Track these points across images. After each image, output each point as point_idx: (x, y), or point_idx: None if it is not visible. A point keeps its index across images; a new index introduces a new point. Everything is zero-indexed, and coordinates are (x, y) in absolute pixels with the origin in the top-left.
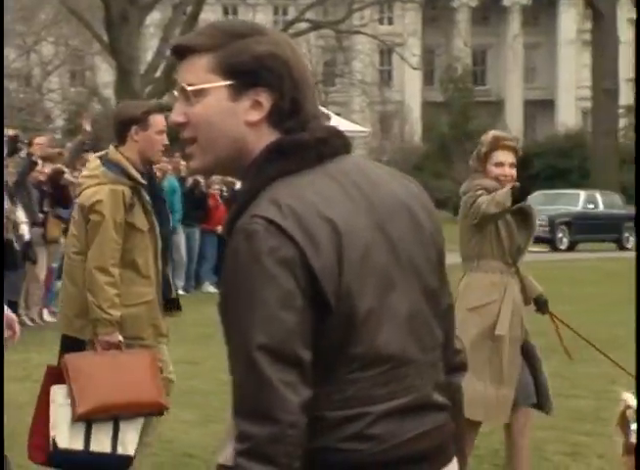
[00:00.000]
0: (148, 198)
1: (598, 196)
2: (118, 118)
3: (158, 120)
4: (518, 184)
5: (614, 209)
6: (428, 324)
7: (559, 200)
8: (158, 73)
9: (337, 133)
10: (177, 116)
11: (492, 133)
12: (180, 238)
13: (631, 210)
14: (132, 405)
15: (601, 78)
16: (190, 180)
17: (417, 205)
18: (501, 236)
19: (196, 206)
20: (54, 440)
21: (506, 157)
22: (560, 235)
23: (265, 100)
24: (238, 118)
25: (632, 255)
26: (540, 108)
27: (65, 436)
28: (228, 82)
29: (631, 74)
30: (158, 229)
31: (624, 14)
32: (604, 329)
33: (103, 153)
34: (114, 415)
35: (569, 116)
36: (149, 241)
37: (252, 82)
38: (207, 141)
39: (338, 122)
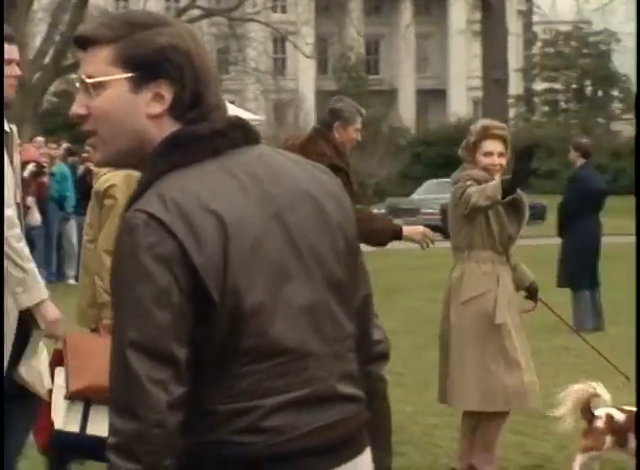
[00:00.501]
0: None
1: None
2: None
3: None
4: (508, 177)
5: None
6: (331, 315)
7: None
8: (46, 60)
9: (239, 124)
10: (78, 108)
11: (481, 122)
12: (72, 227)
13: (529, 199)
14: None
15: (491, 68)
16: (81, 168)
17: (323, 193)
18: (491, 226)
19: (88, 194)
20: (52, 422)
21: (495, 146)
22: None
23: (166, 92)
24: (139, 111)
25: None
26: (432, 97)
27: (60, 417)
28: (129, 75)
29: (520, 65)
30: None
31: (513, 5)
32: None
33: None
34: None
35: (460, 105)
36: None
37: (154, 74)
38: (108, 134)
39: (232, 111)
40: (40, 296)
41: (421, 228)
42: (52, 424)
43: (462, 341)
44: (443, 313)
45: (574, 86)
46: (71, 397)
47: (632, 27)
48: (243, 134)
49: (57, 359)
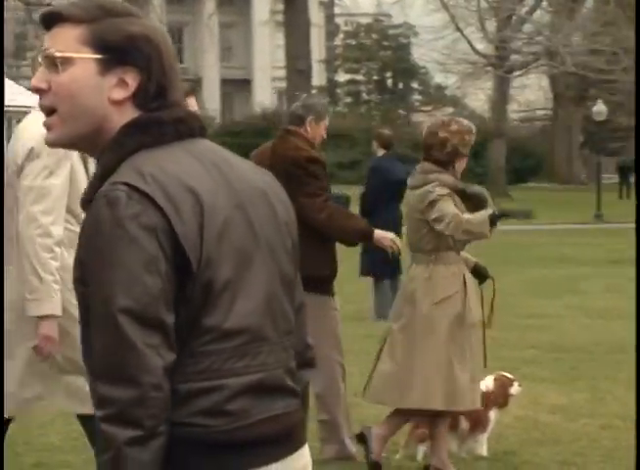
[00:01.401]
0: None
1: None
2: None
3: (192, 103)
4: (495, 211)
5: None
6: (283, 308)
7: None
8: None
9: (195, 116)
10: (39, 82)
11: (468, 126)
12: None
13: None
14: None
15: (294, 59)
16: None
17: (272, 194)
18: None
19: None
20: None
21: (468, 150)
22: None
23: (132, 80)
24: (102, 94)
25: None
26: (237, 87)
27: None
28: (98, 56)
29: (323, 56)
30: None
31: None
32: None
33: None
34: None
35: (265, 95)
36: None
37: (122, 60)
38: (69, 113)
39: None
40: (50, 310)
41: (391, 235)
42: None
43: (432, 341)
44: (398, 314)
45: (376, 78)
46: None
47: (430, 21)
48: (199, 126)
49: None
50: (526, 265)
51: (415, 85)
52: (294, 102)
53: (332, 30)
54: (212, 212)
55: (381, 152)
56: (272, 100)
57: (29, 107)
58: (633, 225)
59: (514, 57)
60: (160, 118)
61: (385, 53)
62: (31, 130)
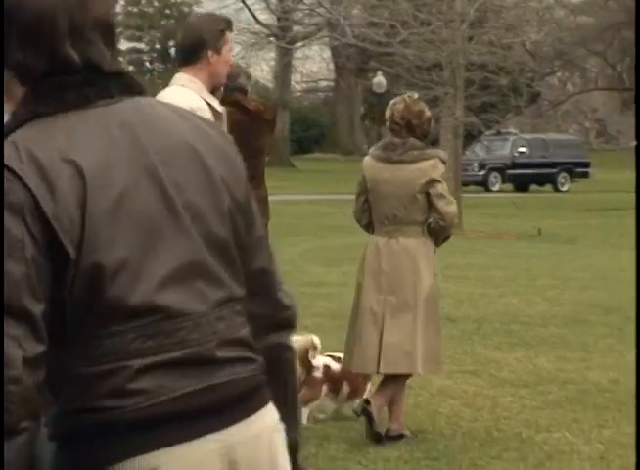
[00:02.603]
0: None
1: None
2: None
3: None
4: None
5: None
6: (212, 276)
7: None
8: None
9: (115, 74)
10: None
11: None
12: None
13: None
14: None
15: None
16: None
17: (209, 149)
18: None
19: None
20: None
21: None
22: None
23: None
24: None
25: None
26: None
27: None
28: None
29: None
30: None
31: None
32: None
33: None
34: None
35: None
36: None
37: None
38: None
39: None
40: None
41: None
42: None
43: (431, 310)
44: (392, 285)
45: (158, 46)
46: None
47: None
48: (120, 85)
49: None
50: (308, 234)
51: None
52: None
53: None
54: (102, 185)
55: None
56: None
57: None
58: None
59: (296, 28)
60: (63, 83)
61: (167, 21)
62: None
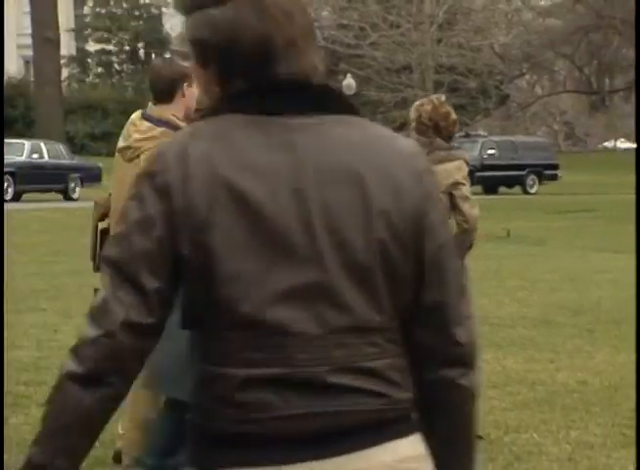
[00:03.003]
0: None
1: (43, 146)
2: (169, 75)
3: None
4: None
5: (59, 159)
6: (339, 301)
7: (5, 150)
8: None
9: (322, 90)
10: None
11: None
12: None
13: (76, 160)
14: None
15: (41, 27)
16: None
17: (376, 177)
18: None
19: None
20: None
21: None
22: (5, 185)
23: None
24: None
25: (78, 204)
26: None
27: None
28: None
29: (72, 25)
30: None
31: None
32: (47, 280)
33: (142, 113)
34: None
35: (11, 63)
36: None
37: None
38: None
39: None
40: None
41: None
42: None
43: None
44: None
45: (127, 48)
46: None
47: None
48: (320, 100)
49: None
50: None
51: (168, 56)
52: (42, 72)
53: None
54: (238, 194)
55: None
56: (19, 69)
57: None
58: None
59: None
60: (247, 91)
61: (136, 23)
62: None
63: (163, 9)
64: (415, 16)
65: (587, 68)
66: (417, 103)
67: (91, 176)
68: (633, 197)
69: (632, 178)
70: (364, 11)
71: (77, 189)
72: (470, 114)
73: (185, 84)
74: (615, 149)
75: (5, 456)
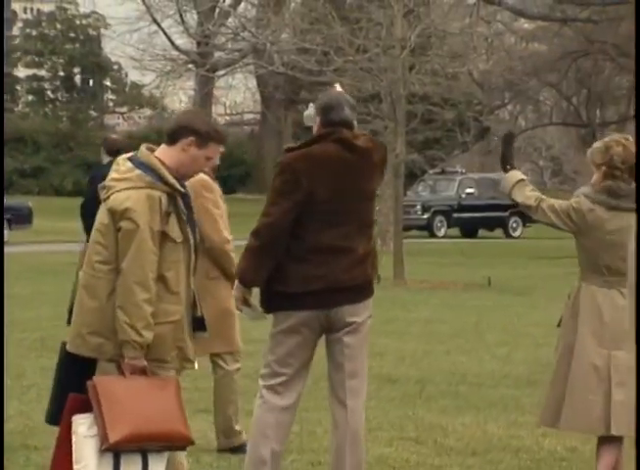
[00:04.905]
0: (183, 207)
1: None
2: (181, 122)
3: (215, 149)
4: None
5: None
6: None
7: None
8: None
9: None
10: None
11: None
12: None
13: (13, 199)
14: (161, 436)
15: None
16: None
17: None
18: None
19: None
20: None
21: None
22: None
23: None
24: None
25: (7, 249)
26: None
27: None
28: None
29: None
30: (192, 241)
31: None
32: None
33: (131, 154)
34: (142, 447)
35: None
36: (182, 253)
37: None
38: None
39: None
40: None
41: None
42: None
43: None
44: (617, 339)
45: (62, 74)
46: (109, 449)
47: (123, 11)
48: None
49: (75, 407)
50: None
51: (108, 83)
52: None
53: (8, 18)
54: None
55: (107, 159)
56: None
57: None
58: None
59: (217, 54)
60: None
61: (71, 46)
62: None
63: (102, 30)
64: (384, 39)
65: (576, 97)
66: (601, 145)
67: (20, 217)
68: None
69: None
70: (328, 34)
71: (6, 232)
72: (446, 148)
73: (191, 139)
74: None
75: None
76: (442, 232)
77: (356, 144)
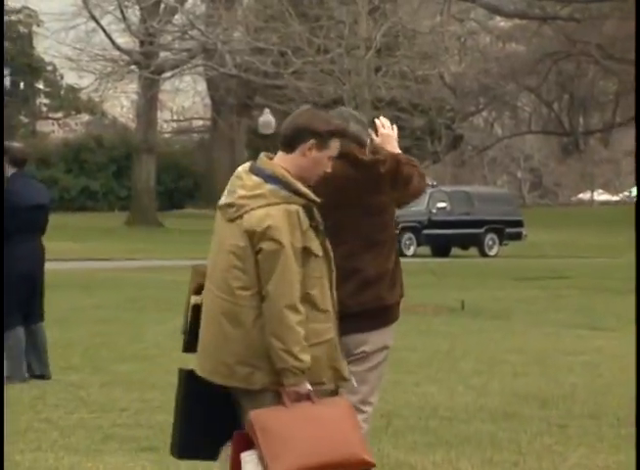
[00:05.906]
0: (319, 218)
1: None
2: (299, 125)
3: (337, 145)
4: None
5: None
6: None
7: None
8: None
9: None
10: None
11: None
12: None
13: None
14: (335, 465)
15: None
16: None
17: None
18: None
19: None
20: None
21: None
22: None
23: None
24: None
25: None
26: None
27: None
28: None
29: None
30: (331, 253)
31: None
32: None
33: (251, 165)
34: None
35: None
36: (324, 268)
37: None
38: None
39: None
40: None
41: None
42: None
43: None
44: None
45: None
46: None
47: (57, 6)
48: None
49: (241, 443)
50: (179, 310)
51: (41, 86)
52: None
53: None
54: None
55: (11, 171)
56: None
57: None
58: None
59: (163, 54)
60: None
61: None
62: None
63: (34, 28)
64: (348, 39)
65: (557, 103)
66: None
67: None
68: (613, 261)
69: (612, 239)
70: (285, 32)
71: None
72: (415, 158)
73: (312, 142)
74: (591, 202)
75: None
76: (411, 251)
77: (360, 158)
